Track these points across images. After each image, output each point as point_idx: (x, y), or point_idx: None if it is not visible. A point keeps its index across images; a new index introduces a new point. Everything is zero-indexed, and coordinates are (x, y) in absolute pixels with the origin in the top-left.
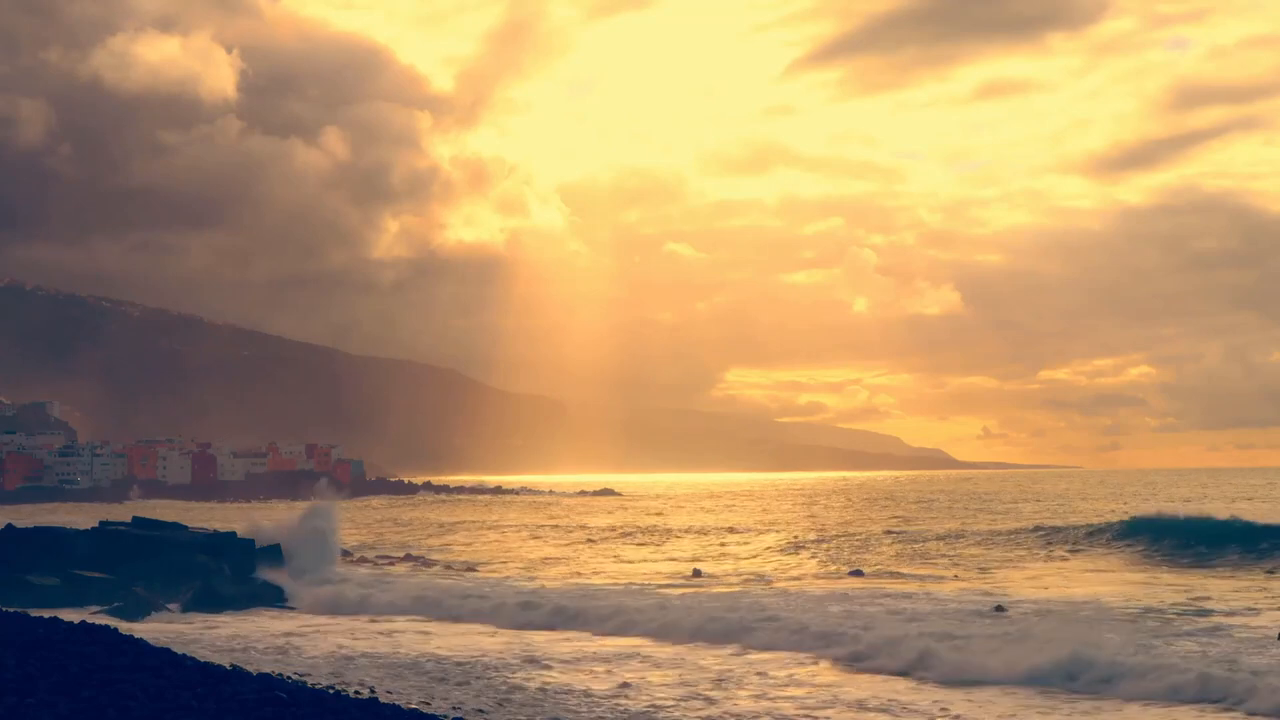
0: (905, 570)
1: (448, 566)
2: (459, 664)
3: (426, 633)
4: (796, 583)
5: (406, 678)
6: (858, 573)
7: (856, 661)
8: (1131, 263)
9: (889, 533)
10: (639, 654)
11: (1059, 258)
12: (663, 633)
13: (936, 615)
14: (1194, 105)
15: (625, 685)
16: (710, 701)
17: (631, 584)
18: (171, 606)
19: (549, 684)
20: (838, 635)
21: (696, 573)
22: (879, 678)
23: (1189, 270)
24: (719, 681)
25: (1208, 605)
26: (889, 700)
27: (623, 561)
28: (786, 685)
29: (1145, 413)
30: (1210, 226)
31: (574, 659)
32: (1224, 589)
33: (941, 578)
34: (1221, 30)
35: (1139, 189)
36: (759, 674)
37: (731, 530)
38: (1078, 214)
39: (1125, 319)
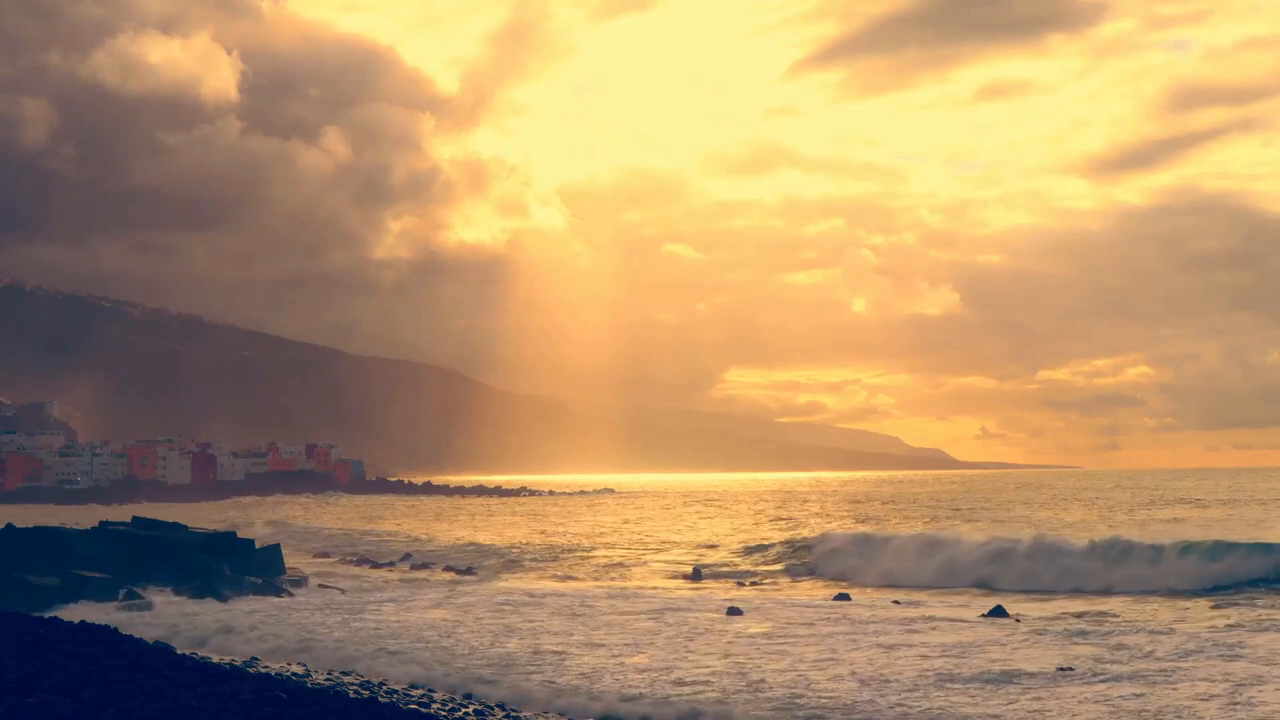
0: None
1: (447, 568)
2: None
3: None
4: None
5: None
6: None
7: None
8: (1131, 263)
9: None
10: None
11: (1059, 258)
12: None
13: None
14: (1193, 106)
15: None
16: None
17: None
18: (171, 607)
19: None
20: None
21: (696, 571)
22: None
23: (1188, 270)
24: None
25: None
26: None
27: (625, 562)
28: None
29: (1144, 413)
30: (1209, 227)
31: None
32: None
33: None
34: (1221, 32)
35: (1138, 190)
36: None
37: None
38: (1077, 214)
39: (1124, 319)
